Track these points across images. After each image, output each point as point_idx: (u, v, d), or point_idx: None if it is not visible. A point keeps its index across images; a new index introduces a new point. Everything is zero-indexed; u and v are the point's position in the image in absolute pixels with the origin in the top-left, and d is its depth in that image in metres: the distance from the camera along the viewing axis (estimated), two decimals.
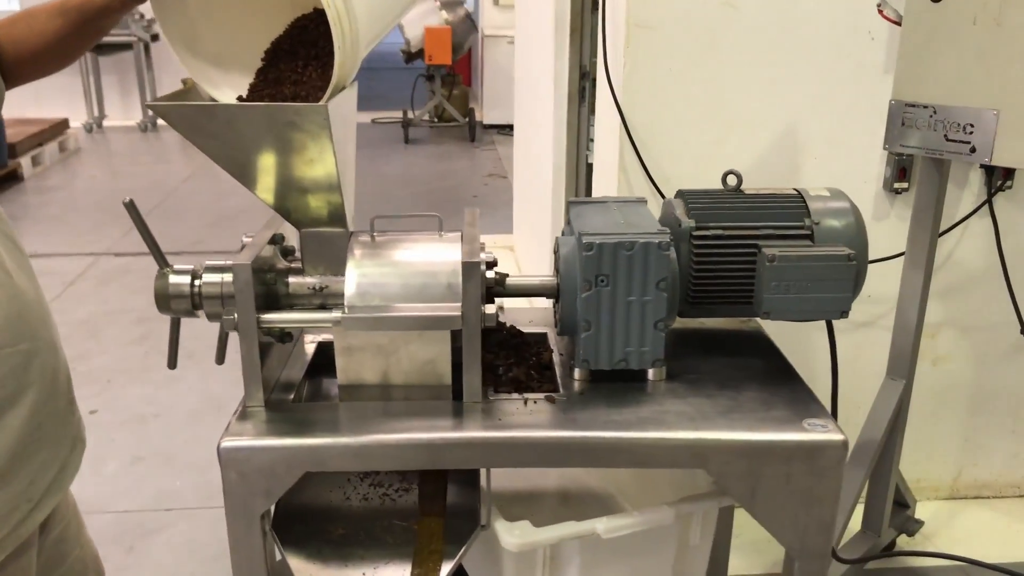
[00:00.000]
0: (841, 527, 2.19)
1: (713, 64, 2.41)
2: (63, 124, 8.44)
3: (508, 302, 1.56)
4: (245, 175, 1.36)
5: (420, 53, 8.77)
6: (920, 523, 2.61)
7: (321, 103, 1.26)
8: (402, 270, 1.41)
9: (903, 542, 2.61)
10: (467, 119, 9.06)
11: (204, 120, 1.28)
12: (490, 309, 1.36)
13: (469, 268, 1.33)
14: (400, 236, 1.47)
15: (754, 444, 1.32)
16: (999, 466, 2.89)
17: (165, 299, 1.42)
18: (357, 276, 1.39)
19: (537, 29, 3.78)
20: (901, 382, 2.26)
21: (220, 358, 1.55)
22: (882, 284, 2.41)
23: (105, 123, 9.57)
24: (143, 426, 3.38)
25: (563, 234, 1.57)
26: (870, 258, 2.50)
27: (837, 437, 1.33)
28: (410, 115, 8.96)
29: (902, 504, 2.59)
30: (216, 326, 1.44)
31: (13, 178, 7.24)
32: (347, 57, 1.30)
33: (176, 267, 1.43)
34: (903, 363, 2.26)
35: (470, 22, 9.03)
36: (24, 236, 6.30)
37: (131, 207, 1.40)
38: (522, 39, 4.58)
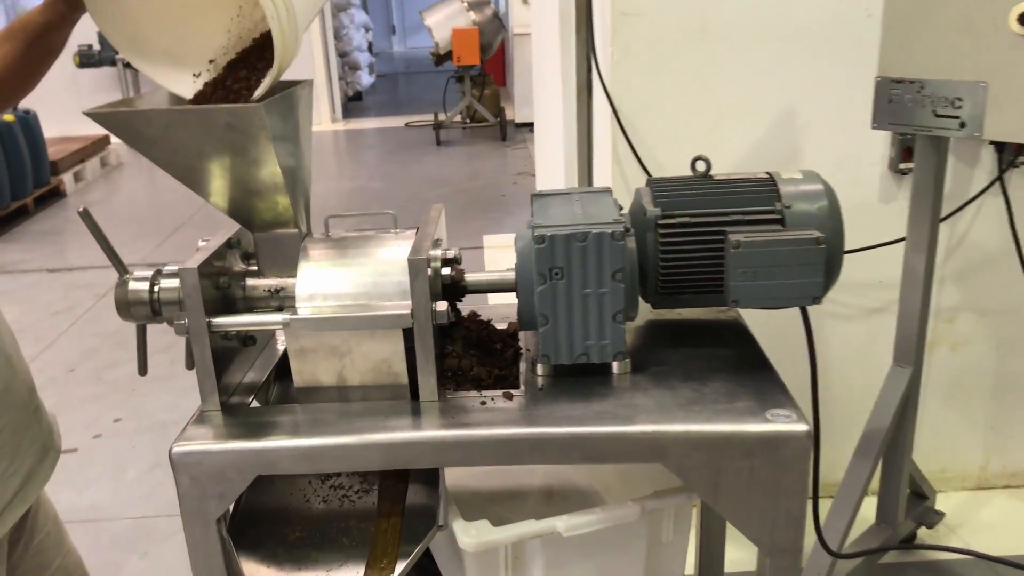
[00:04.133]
0: (849, 519, 2.12)
1: (704, 49, 2.35)
2: (104, 140, 8.65)
3: (494, 299, 1.53)
4: (191, 180, 1.36)
5: (449, 55, 8.79)
6: (941, 514, 2.51)
7: (257, 103, 1.25)
8: (354, 269, 1.39)
9: (924, 535, 2.52)
10: (498, 119, 9.05)
11: (142, 126, 1.28)
12: (441, 306, 1.34)
13: (415, 265, 1.30)
14: (354, 235, 1.46)
15: (712, 436, 1.28)
16: None
17: (126, 306, 1.43)
18: (309, 277, 1.38)
19: (548, 23, 3.75)
20: (908, 369, 2.18)
21: (189, 363, 1.55)
22: (894, 269, 2.32)
23: None
24: (164, 433, 3.43)
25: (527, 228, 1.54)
26: (877, 242, 2.45)
27: (801, 428, 1.27)
28: (441, 117, 8.97)
29: (920, 495, 2.50)
30: None
31: (56, 194, 7.45)
32: (287, 38, 1.27)
33: (135, 274, 1.44)
34: (909, 350, 2.17)
35: (498, 22, 9.02)
36: (64, 250, 6.41)
37: (86, 215, 1.41)
38: (537, 35, 4.56)
